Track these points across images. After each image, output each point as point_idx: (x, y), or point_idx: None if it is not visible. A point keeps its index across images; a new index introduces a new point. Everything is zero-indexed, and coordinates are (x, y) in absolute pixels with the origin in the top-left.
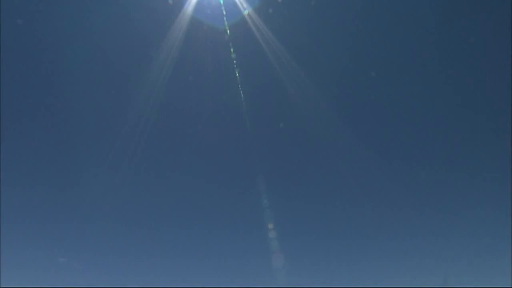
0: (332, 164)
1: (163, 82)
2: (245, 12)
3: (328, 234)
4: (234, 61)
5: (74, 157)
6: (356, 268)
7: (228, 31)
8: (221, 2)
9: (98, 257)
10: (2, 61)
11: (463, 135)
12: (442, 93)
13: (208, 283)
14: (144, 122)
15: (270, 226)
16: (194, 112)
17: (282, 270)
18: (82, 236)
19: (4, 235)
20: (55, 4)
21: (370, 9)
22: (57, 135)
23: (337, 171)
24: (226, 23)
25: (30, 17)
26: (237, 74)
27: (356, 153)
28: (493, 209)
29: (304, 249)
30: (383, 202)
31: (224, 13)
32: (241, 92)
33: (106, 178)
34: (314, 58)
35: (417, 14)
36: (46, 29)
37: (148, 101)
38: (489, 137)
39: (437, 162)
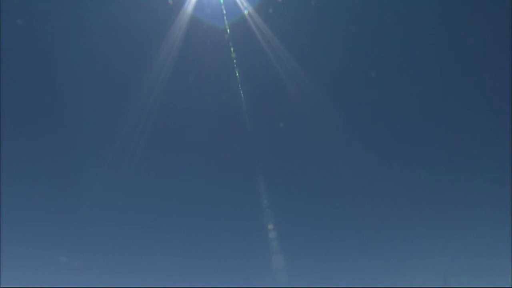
0: (332, 164)
1: (163, 81)
2: (245, 11)
3: (328, 234)
4: (234, 61)
5: (74, 157)
6: (356, 268)
7: (228, 30)
8: (221, 1)
9: (98, 257)
10: (2, 61)
11: (463, 135)
12: (442, 93)
13: (208, 283)
14: (144, 122)
15: (270, 226)
16: (193, 111)
17: (282, 270)
18: (83, 235)
19: (4, 234)
20: (55, 2)
21: (371, 8)
22: (57, 134)
23: (337, 171)
24: (226, 22)
25: (30, 17)
26: (237, 74)
27: (356, 153)
28: (493, 209)
29: (304, 249)
30: (383, 202)
31: (224, 12)
32: (241, 92)
33: (106, 178)
34: (314, 57)
35: (417, 14)
36: (46, 28)
37: (147, 101)
38: (489, 137)
39: (437, 162)
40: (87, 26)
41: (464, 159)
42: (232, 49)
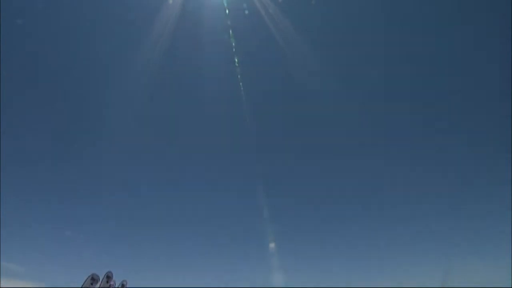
0: (332, 163)
1: (157, 63)
2: None
3: (328, 234)
4: (233, 44)
5: (75, 154)
6: (356, 268)
7: (227, 10)
8: None
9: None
10: (2, 59)
11: (463, 135)
12: (443, 93)
13: (208, 283)
14: (139, 110)
15: (270, 226)
16: (191, 106)
17: (281, 270)
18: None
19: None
20: None
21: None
22: (56, 132)
23: (337, 170)
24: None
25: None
26: (236, 61)
27: (357, 152)
28: (493, 209)
29: (303, 249)
30: (384, 202)
31: None
32: (240, 81)
33: (107, 178)
34: (319, 44)
35: (418, 12)
36: (45, 14)
37: (142, 92)
38: (489, 137)
39: (437, 162)
40: (85, 16)
41: (464, 159)
42: (230, 31)
